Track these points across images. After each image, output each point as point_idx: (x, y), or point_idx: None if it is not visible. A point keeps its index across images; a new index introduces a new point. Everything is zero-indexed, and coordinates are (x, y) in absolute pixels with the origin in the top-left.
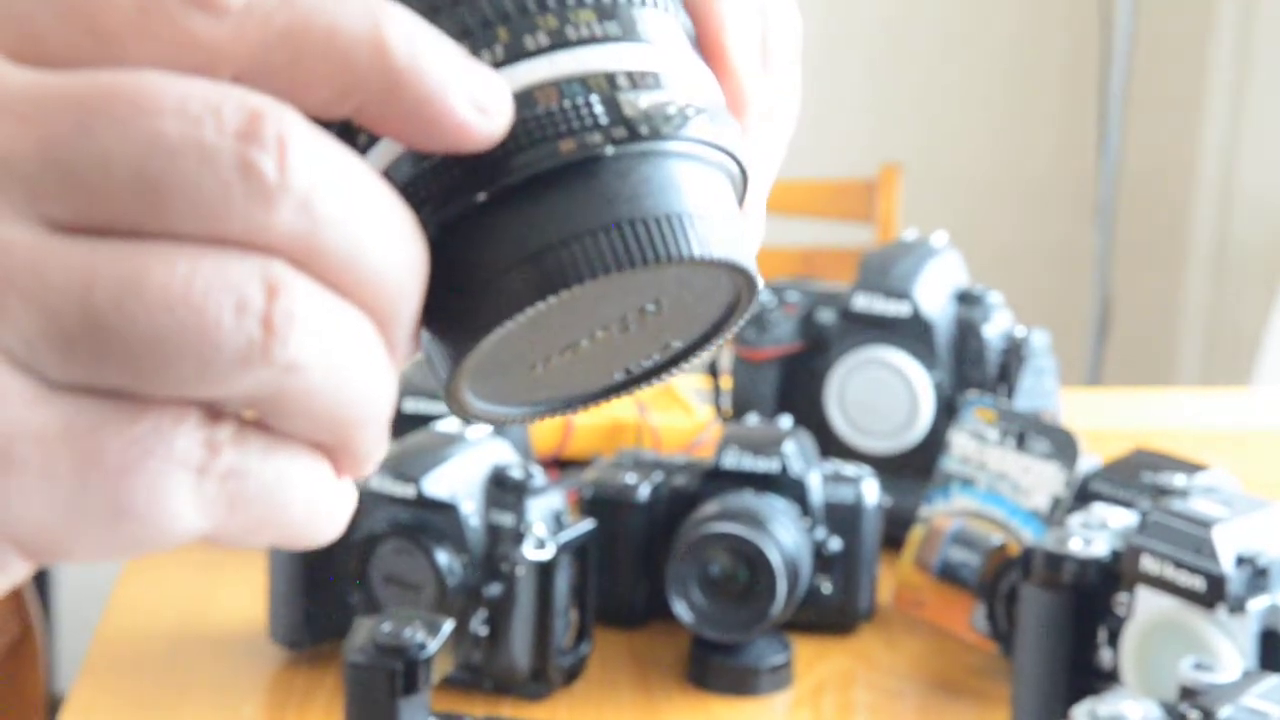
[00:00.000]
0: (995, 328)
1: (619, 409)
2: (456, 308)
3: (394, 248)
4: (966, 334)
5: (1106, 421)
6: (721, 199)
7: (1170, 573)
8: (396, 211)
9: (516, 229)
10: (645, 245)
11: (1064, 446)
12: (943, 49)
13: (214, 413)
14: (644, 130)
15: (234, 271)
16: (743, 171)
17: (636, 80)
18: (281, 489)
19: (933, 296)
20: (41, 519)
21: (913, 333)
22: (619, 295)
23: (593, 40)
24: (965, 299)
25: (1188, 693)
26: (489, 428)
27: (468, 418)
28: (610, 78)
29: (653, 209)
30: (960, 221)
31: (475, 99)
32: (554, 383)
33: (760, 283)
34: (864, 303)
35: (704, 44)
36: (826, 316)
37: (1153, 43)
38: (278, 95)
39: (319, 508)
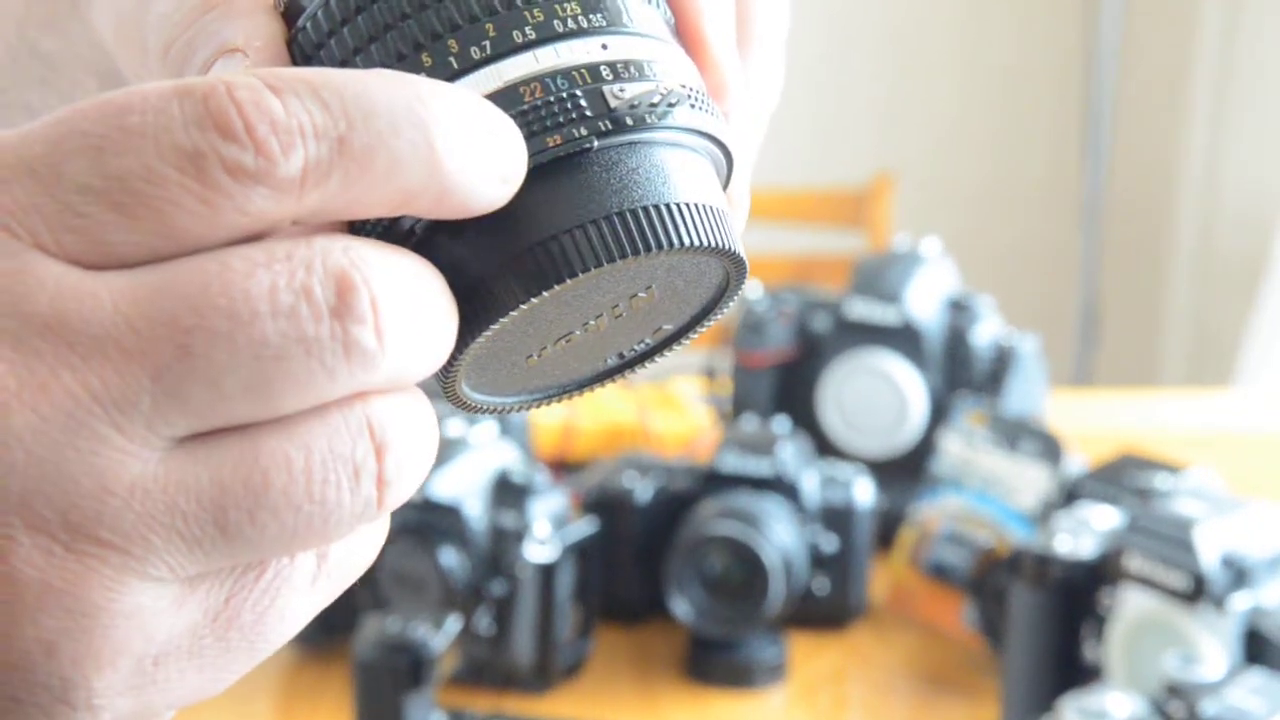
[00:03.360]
0: (985, 333)
1: (620, 413)
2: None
3: (446, 339)
4: (957, 339)
5: (1094, 422)
6: (708, 184)
7: (1154, 571)
8: (448, 302)
9: (507, 225)
10: (635, 236)
11: (1051, 449)
12: (933, 60)
13: None
14: (629, 121)
15: (343, 439)
16: (727, 155)
17: (620, 71)
18: (362, 555)
19: (924, 303)
20: (195, 687)
21: (904, 338)
22: (611, 285)
23: (579, 32)
24: (956, 305)
25: (1172, 688)
26: (494, 432)
27: (465, 409)
28: (594, 69)
29: (641, 199)
30: (951, 228)
31: (503, 175)
32: (549, 370)
33: (747, 264)
34: (857, 309)
35: (684, 32)
36: (821, 323)
37: (1137, 53)
38: (338, 218)
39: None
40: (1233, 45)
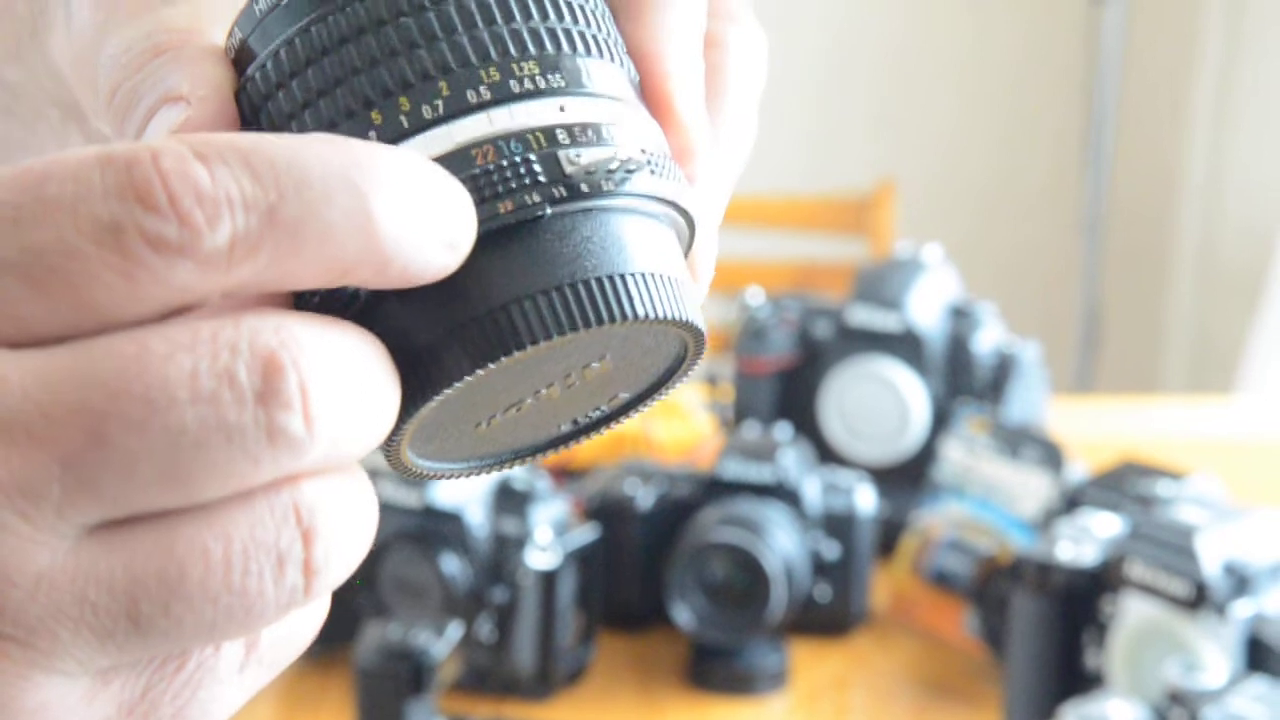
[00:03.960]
0: (987, 341)
1: None
2: (398, 374)
3: (383, 419)
4: (958, 346)
5: (1095, 429)
6: (666, 253)
7: (1156, 578)
8: (388, 379)
9: (455, 292)
10: (587, 307)
11: (1053, 456)
12: (935, 67)
13: None
14: (584, 188)
15: (267, 526)
16: (689, 221)
17: (577, 135)
18: (298, 638)
19: (926, 310)
20: None
21: (906, 345)
22: (563, 355)
23: (535, 93)
24: (958, 312)
25: (1174, 695)
26: None
27: (410, 476)
28: (549, 133)
29: (594, 269)
30: (953, 234)
31: (449, 241)
32: (499, 438)
33: (705, 335)
34: (859, 316)
35: (648, 93)
36: (823, 329)
37: (1139, 61)
38: (271, 289)
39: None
40: (1234, 54)
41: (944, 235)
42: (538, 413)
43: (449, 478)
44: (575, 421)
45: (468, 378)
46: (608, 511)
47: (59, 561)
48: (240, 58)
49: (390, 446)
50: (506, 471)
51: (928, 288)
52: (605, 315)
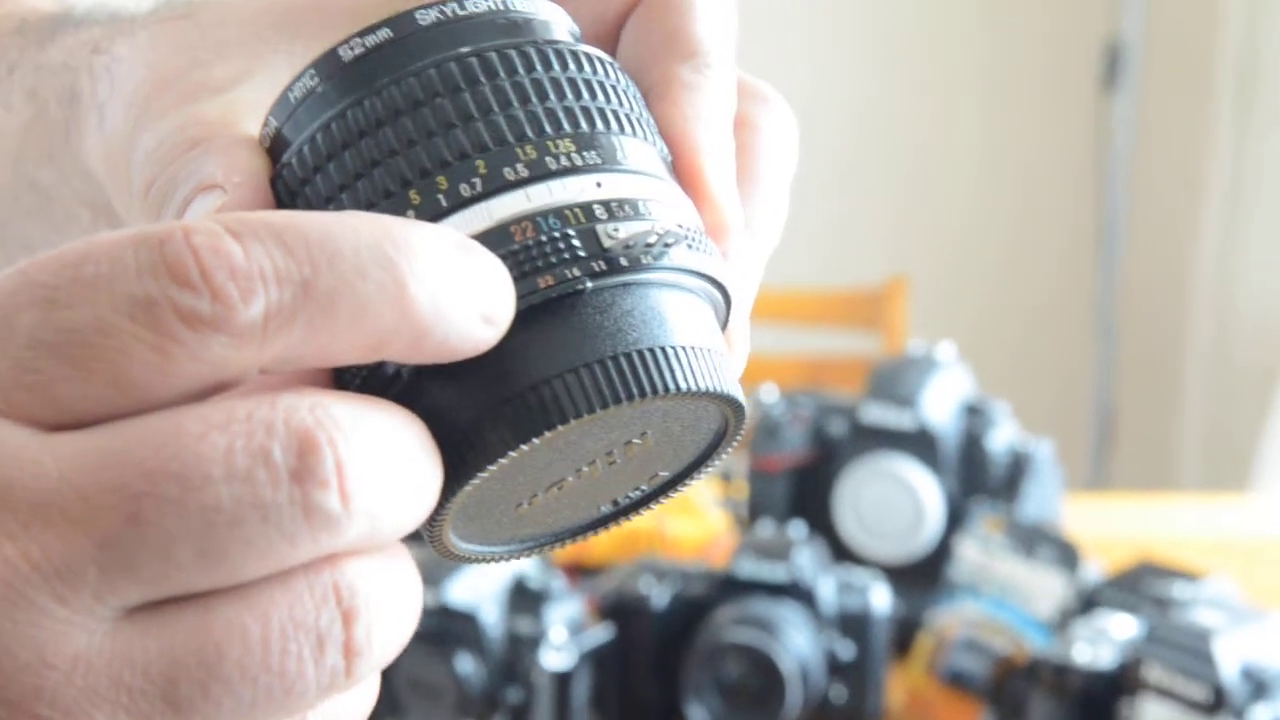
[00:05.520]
0: (1001, 439)
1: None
2: (441, 453)
3: (425, 497)
4: (973, 445)
5: (1110, 528)
6: (705, 327)
7: (1174, 682)
8: (429, 457)
9: (496, 368)
10: (630, 381)
11: (1068, 556)
12: (948, 165)
13: None
14: (623, 262)
15: (307, 606)
16: (725, 296)
17: (614, 210)
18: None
19: (940, 408)
20: None
21: (920, 443)
22: (605, 431)
23: (572, 170)
24: (971, 410)
25: None
26: None
27: (452, 559)
28: (587, 209)
29: (635, 343)
30: (965, 332)
31: (486, 314)
32: (540, 519)
33: (745, 409)
34: (873, 414)
35: (681, 171)
36: (837, 427)
37: (1150, 161)
38: (309, 365)
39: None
40: (1245, 155)
41: (956, 331)
42: (579, 492)
43: (490, 560)
44: (615, 502)
45: (511, 454)
46: (622, 610)
47: (95, 644)
48: (275, 145)
49: (433, 527)
50: (522, 569)
51: (941, 386)
52: (648, 389)
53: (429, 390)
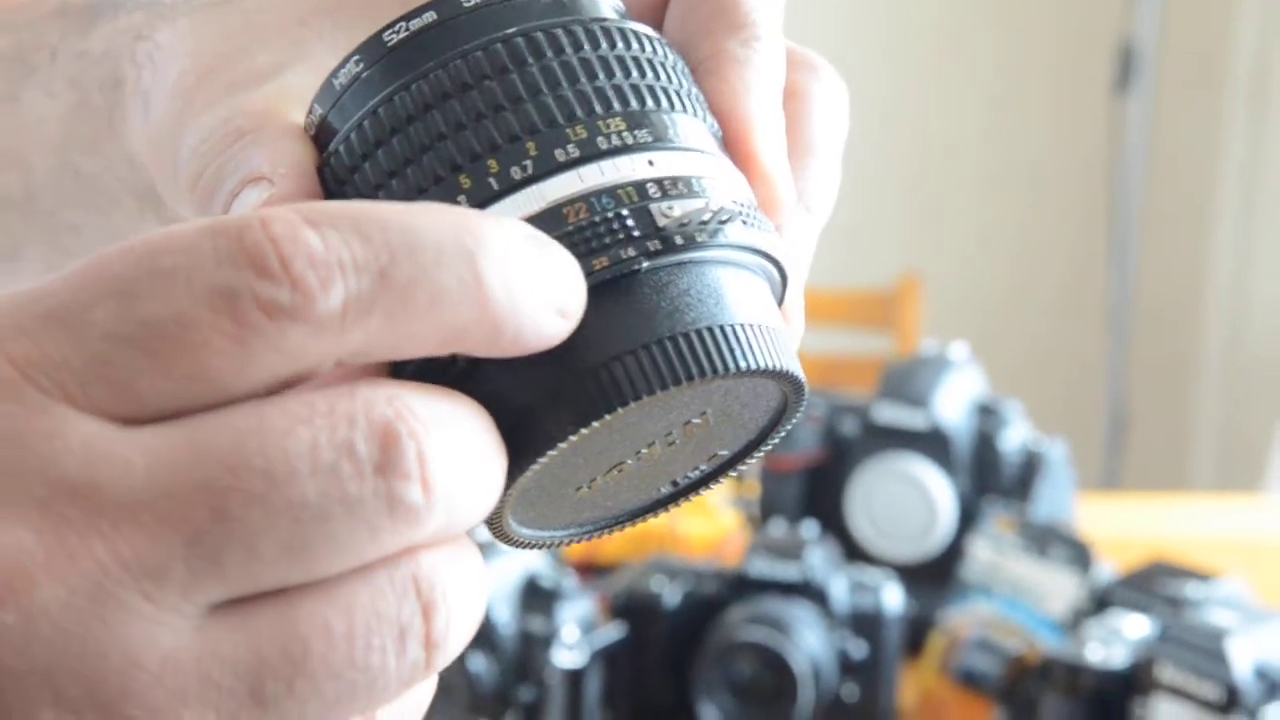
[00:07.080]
0: (1013, 439)
1: None
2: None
3: (495, 484)
4: (985, 445)
5: (1123, 527)
6: (762, 304)
7: (1187, 681)
8: (496, 444)
9: (554, 352)
10: (689, 360)
11: (1081, 555)
12: (960, 164)
13: None
14: (679, 240)
15: (388, 600)
16: (780, 271)
17: (668, 188)
18: (410, 715)
19: (952, 408)
20: None
21: (933, 443)
22: (664, 412)
23: (624, 149)
24: (984, 410)
25: None
26: None
27: (513, 545)
28: (641, 187)
29: (694, 322)
30: (978, 331)
31: (560, 308)
32: (599, 501)
33: (805, 385)
34: (885, 414)
35: (732, 146)
36: (849, 427)
37: (1164, 157)
38: (383, 358)
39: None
40: (1258, 147)
41: (969, 331)
42: (638, 474)
43: (551, 545)
44: (675, 483)
45: (571, 438)
46: (634, 609)
47: (183, 643)
48: (321, 134)
49: (494, 515)
50: (534, 568)
51: (954, 385)
52: (708, 368)
53: (487, 376)
